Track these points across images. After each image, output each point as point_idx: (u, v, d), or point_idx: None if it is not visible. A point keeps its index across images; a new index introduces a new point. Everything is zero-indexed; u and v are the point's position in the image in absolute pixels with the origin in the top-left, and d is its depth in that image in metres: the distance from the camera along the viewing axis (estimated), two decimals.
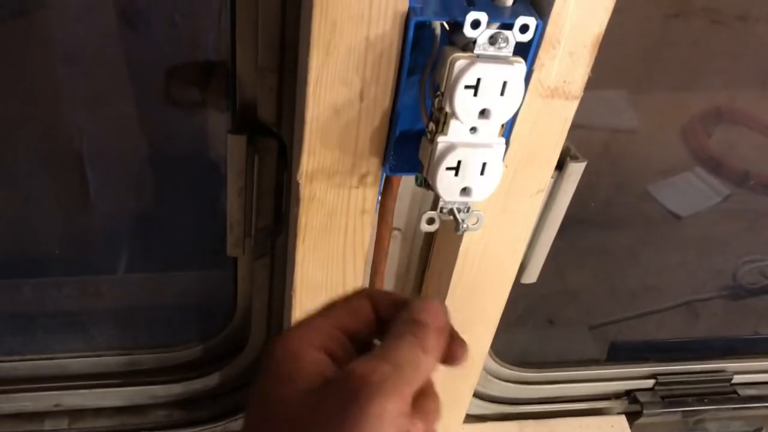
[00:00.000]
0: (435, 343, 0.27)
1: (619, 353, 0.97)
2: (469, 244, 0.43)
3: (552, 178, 0.45)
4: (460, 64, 0.32)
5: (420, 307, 0.28)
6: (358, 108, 0.36)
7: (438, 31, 0.34)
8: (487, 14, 0.32)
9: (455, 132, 0.35)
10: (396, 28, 0.33)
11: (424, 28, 0.35)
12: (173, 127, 0.72)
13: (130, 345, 0.68)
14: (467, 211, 0.38)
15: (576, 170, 0.45)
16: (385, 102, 0.36)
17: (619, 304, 1.21)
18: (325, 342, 0.28)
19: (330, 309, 0.30)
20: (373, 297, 0.30)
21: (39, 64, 0.66)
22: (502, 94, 0.33)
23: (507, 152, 0.39)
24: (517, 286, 0.54)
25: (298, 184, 0.39)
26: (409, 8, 0.33)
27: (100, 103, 0.72)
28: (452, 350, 0.28)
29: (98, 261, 0.75)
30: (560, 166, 0.45)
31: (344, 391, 0.25)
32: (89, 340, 0.70)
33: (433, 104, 0.35)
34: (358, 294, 0.30)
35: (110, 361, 0.65)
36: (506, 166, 0.39)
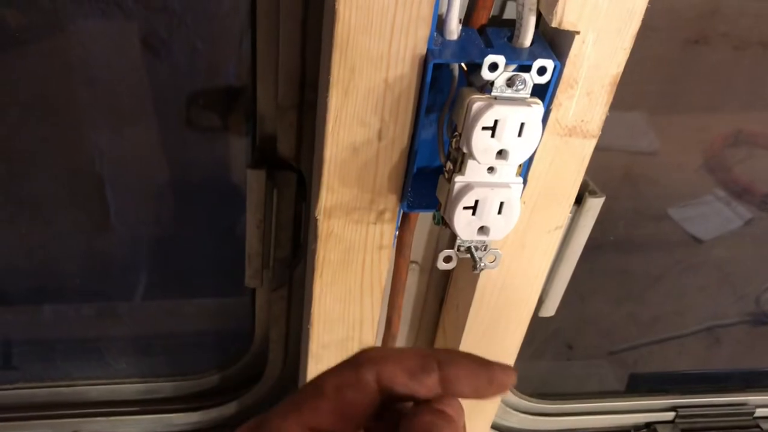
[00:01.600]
0: None
1: (639, 384, 0.96)
2: (487, 279, 0.43)
3: (570, 213, 0.45)
4: (477, 106, 0.32)
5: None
6: (376, 147, 0.36)
7: (456, 71, 0.35)
8: (505, 56, 0.32)
9: (472, 171, 0.35)
10: (414, 70, 0.34)
11: (442, 68, 0.35)
12: (193, 151, 0.73)
13: (148, 373, 0.68)
14: (485, 250, 0.38)
15: (594, 205, 0.45)
16: (403, 141, 0.36)
17: (639, 329, 1.19)
18: None
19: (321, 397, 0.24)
20: (380, 373, 0.24)
21: (60, 87, 0.67)
22: (519, 135, 0.33)
23: (525, 190, 0.39)
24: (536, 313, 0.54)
25: (316, 220, 0.39)
26: (427, 50, 0.33)
27: (121, 127, 0.73)
28: (499, 379, 0.25)
29: (117, 287, 0.76)
30: (579, 201, 0.45)
31: None
32: (107, 368, 0.71)
33: (450, 143, 0.35)
34: (361, 370, 0.24)
35: (128, 388, 0.66)
36: (524, 203, 0.39)
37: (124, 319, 0.75)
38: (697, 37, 0.99)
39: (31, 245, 0.72)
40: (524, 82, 0.32)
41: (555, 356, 1.15)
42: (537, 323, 0.52)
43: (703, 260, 1.29)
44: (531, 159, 0.37)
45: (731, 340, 1.27)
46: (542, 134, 0.36)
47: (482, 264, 0.38)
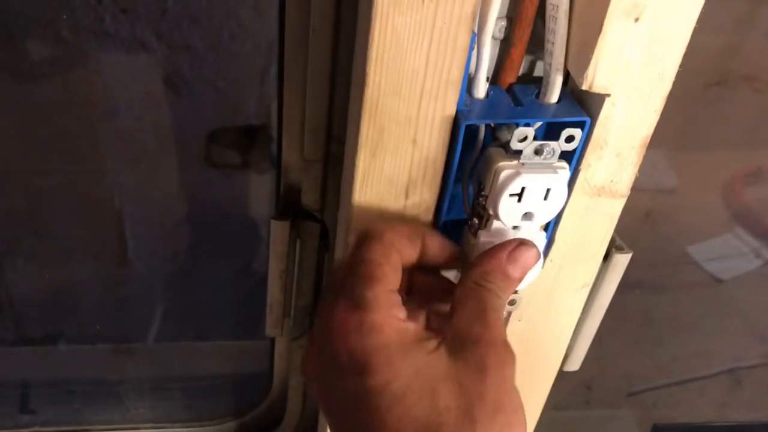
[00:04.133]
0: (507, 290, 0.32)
1: None
2: (512, 334, 0.43)
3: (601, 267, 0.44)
4: (505, 174, 0.32)
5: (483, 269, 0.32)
6: (403, 203, 0.36)
7: (483, 130, 0.35)
8: (533, 113, 0.32)
9: (497, 229, 0.34)
10: (443, 131, 0.34)
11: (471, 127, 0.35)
12: (214, 189, 0.73)
13: (165, 418, 0.67)
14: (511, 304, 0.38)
15: (621, 261, 0.44)
16: (431, 198, 0.36)
17: (660, 370, 1.17)
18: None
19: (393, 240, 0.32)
20: (426, 241, 0.34)
21: (82, 123, 0.68)
22: (545, 198, 0.33)
23: (553, 248, 0.38)
24: None
25: None
26: (457, 112, 0.33)
27: (142, 163, 0.73)
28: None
29: (135, 326, 0.76)
30: (606, 257, 0.44)
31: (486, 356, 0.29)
32: (125, 412, 0.70)
33: (476, 199, 0.35)
34: (416, 233, 0.34)
35: None
36: (551, 261, 0.39)
37: (142, 360, 0.75)
38: (719, 79, 0.99)
39: (50, 282, 0.73)
40: (552, 151, 0.32)
41: (574, 397, 1.14)
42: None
43: (724, 300, 1.27)
44: (559, 217, 0.37)
45: (753, 382, 1.25)
46: (569, 195, 0.36)
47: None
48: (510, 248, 0.32)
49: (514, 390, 0.30)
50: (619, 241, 0.44)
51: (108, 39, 0.70)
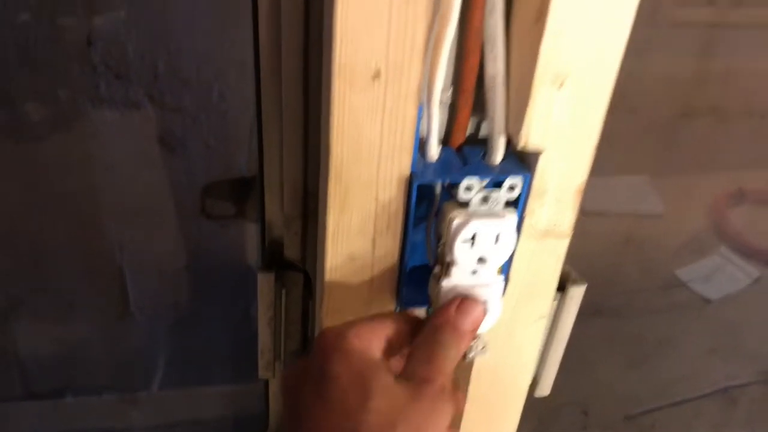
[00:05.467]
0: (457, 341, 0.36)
1: None
2: (480, 365, 0.47)
3: (555, 300, 0.48)
4: (456, 222, 0.37)
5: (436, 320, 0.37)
6: (371, 254, 0.41)
7: (438, 188, 0.39)
8: (479, 173, 0.37)
9: (457, 275, 0.39)
10: (401, 189, 0.38)
11: (425, 185, 0.40)
12: (210, 239, 0.77)
13: None
14: (474, 339, 0.42)
15: (577, 293, 0.48)
16: (396, 248, 0.41)
17: (655, 392, 1.20)
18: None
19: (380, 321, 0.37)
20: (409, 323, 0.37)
21: (81, 180, 0.72)
22: (496, 242, 0.38)
23: (507, 286, 0.43)
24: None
25: (321, 319, 0.43)
26: (411, 173, 0.38)
27: (141, 217, 0.77)
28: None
29: (138, 377, 0.78)
30: (563, 289, 0.49)
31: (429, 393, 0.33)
32: None
33: (437, 249, 0.39)
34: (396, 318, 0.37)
35: None
36: (508, 298, 0.43)
37: (147, 408, 0.78)
38: (687, 111, 1.05)
39: (55, 337, 0.76)
40: (497, 200, 0.37)
41: (571, 424, 1.16)
42: (551, 392, 0.55)
43: (714, 320, 1.30)
44: (511, 260, 0.42)
45: (747, 401, 1.27)
46: (518, 239, 0.40)
47: (471, 354, 0.41)
48: (457, 303, 0.37)
49: None
50: (574, 275, 0.49)
51: (104, 103, 0.75)
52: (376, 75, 0.34)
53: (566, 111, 0.37)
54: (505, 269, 0.42)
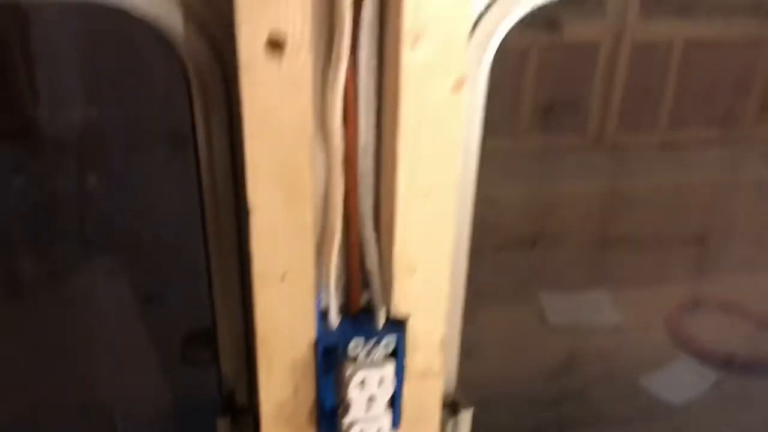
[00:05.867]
0: None
1: None
2: None
3: (449, 424, 0.62)
4: (347, 372, 0.51)
5: None
6: (295, 398, 0.55)
7: (340, 348, 0.54)
8: (366, 335, 0.52)
9: (355, 411, 0.53)
10: (311, 349, 0.53)
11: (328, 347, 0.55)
12: (191, 384, 0.88)
13: None
14: None
15: (466, 417, 0.62)
16: (311, 396, 0.55)
17: None
18: None
19: None
20: None
21: (70, 335, 0.85)
22: (380, 385, 0.52)
23: (400, 416, 0.57)
24: None
25: None
26: (316, 338, 0.53)
27: (125, 365, 0.90)
28: None
29: None
30: (456, 413, 0.63)
31: None
32: None
33: (338, 395, 0.54)
34: None
35: None
36: (401, 426, 0.57)
37: None
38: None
39: None
40: (378, 353, 0.52)
41: None
42: None
43: (679, 425, 1.41)
44: (400, 396, 0.56)
45: None
46: (401, 381, 0.55)
47: None
48: None
49: None
50: (463, 401, 0.63)
51: (89, 264, 0.91)
52: (282, 277, 0.50)
53: (420, 290, 0.53)
54: (397, 403, 0.56)
